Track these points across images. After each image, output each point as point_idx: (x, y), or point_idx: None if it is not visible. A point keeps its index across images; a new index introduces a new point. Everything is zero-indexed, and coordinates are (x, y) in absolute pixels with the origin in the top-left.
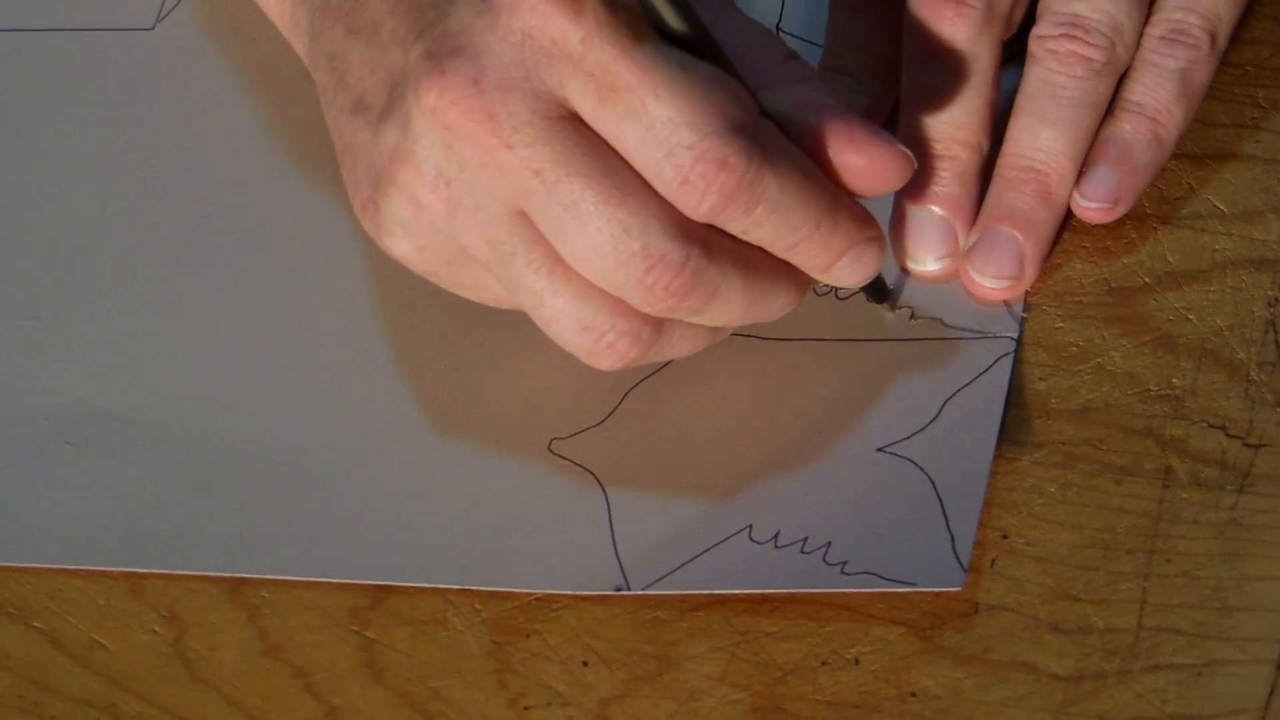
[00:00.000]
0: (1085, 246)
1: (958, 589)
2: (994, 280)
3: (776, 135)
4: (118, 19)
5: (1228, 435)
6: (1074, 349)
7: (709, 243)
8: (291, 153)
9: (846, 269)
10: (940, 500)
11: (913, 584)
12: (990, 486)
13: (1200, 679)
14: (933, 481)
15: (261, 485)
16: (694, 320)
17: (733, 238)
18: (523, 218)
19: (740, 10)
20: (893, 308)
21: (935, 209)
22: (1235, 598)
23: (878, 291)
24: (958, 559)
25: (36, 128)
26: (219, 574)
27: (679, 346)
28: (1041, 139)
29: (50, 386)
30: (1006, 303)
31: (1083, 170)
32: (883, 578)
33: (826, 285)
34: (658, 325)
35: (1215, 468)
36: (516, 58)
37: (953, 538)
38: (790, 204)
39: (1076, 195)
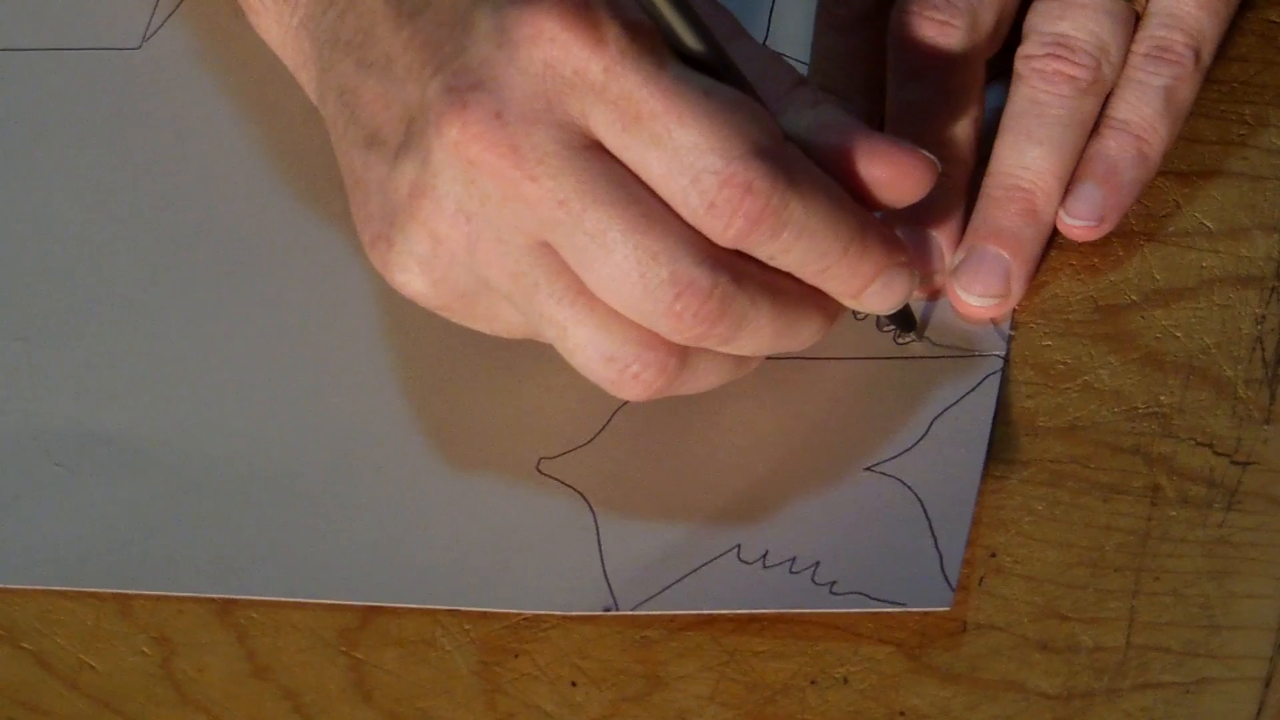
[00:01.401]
0: (1072, 264)
1: (946, 608)
2: (981, 298)
3: (801, 159)
4: (104, 38)
5: (1215, 453)
6: (1061, 367)
7: (737, 269)
8: (280, 172)
9: (877, 295)
10: (928, 519)
11: (901, 603)
12: (978, 505)
13: (1189, 697)
14: (921, 500)
15: (250, 506)
16: (722, 349)
17: (761, 265)
18: (546, 249)
19: (752, 37)
20: (921, 337)
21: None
22: (1223, 616)
23: (904, 321)
24: (946, 578)
25: (22, 147)
26: (208, 595)
27: (705, 378)
28: (1028, 158)
29: (38, 408)
30: (994, 321)
31: (1069, 188)
32: (871, 597)
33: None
34: (683, 355)
35: (1203, 485)
36: (538, 89)
37: (941, 557)
38: (817, 228)
39: (1062, 213)
